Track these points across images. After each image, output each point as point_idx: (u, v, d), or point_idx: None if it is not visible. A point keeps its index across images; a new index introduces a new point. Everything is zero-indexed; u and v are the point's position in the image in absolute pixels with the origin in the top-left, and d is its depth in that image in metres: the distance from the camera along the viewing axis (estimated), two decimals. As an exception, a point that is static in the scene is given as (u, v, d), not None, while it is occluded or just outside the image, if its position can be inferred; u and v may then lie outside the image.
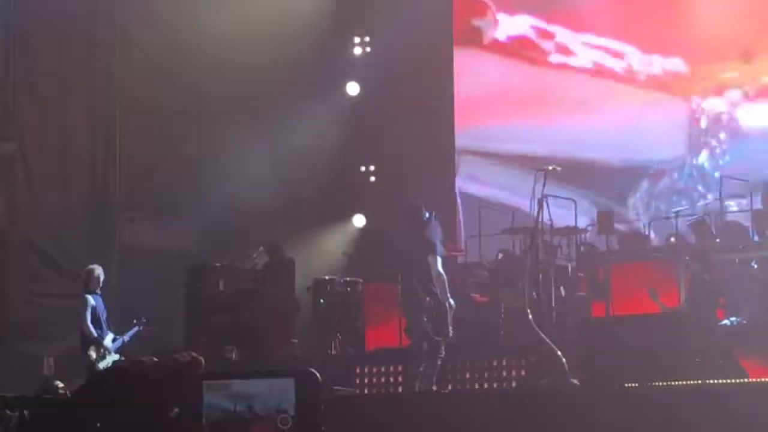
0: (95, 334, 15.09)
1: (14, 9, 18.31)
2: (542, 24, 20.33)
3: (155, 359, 11.08)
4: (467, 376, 15.05)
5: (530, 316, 13.29)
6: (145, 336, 15.62)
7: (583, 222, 17.14)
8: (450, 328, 13.38)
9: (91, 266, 15.55)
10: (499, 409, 12.04)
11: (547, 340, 13.17)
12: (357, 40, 21.50)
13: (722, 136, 18.82)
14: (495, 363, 15.03)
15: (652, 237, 17.70)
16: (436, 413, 12.21)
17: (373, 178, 21.39)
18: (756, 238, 15.60)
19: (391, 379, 15.70)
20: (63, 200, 19.13)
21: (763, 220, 15.73)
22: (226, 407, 10.62)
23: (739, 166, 18.10)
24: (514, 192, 18.92)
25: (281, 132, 19.82)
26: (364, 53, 21.55)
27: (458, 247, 18.93)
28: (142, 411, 10.46)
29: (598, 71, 19.82)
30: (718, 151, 18.84)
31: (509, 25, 20.70)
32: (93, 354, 15.02)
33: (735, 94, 18.68)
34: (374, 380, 15.85)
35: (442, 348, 13.44)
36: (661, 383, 11.60)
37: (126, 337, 15.35)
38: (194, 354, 11.21)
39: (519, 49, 20.53)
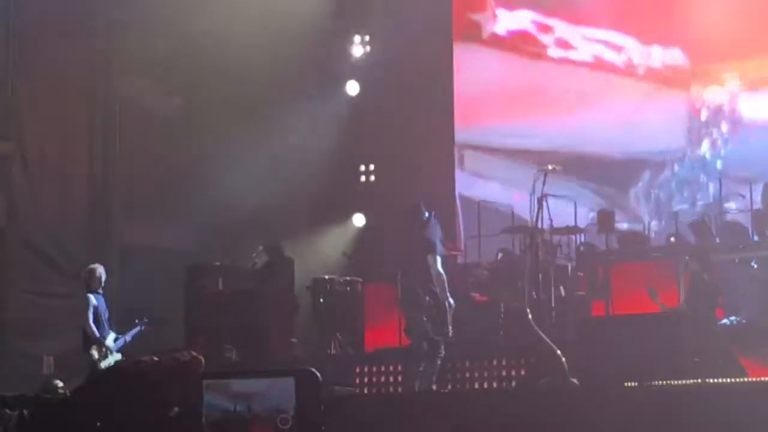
0: (97, 334, 15.08)
1: (14, 9, 18.31)
2: (541, 18, 20.33)
3: (155, 359, 11.10)
4: (467, 375, 15.04)
5: (530, 316, 13.28)
6: (145, 336, 15.62)
7: (584, 216, 17.15)
8: (450, 327, 13.38)
9: (92, 266, 15.54)
10: (499, 409, 12.03)
11: (547, 339, 13.17)
12: (357, 39, 21.49)
13: (723, 127, 18.83)
14: (495, 363, 15.02)
15: (651, 237, 17.71)
16: (435, 413, 12.21)
17: (372, 178, 21.39)
18: (755, 237, 15.60)
19: (391, 379, 15.70)
20: (62, 200, 19.12)
21: (762, 220, 15.75)
22: (226, 407, 10.63)
23: (740, 156, 18.16)
24: (515, 187, 18.94)
25: (281, 131, 19.82)
26: (364, 53, 21.55)
27: (458, 246, 18.94)
28: (142, 410, 10.48)
29: (598, 64, 19.83)
30: (719, 142, 18.85)
31: (509, 20, 20.71)
32: (95, 353, 15.02)
33: (735, 85, 18.69)
34: (374, 380, 15.84)
35: (442, 348, 13.44)
36: (660, 383, 11.61)
37: (128, 337, 15.35)
38: (194, 353, 11.23)
39: (519, 43, 20.53)
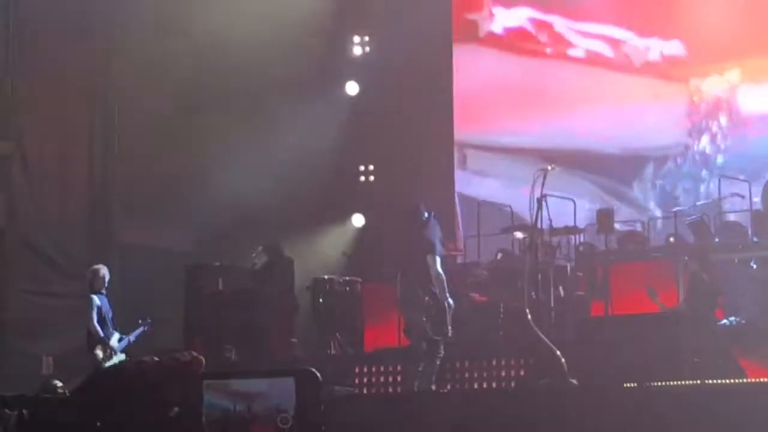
0: (102, 334, 15.09)
1: (14, 9, 18.31)
2: (539, 15, 20.33)
3: (156, 359, 11.10)
4: (466, 375, 15.04)
5: (529, 316, 13.28)
6: (146, 336, 15.63)
7: (584, 214, 17.16)
8: (449, 327, 13.40)
9: (96, 266, 15.55)
10: (498, 409, 12.04)
11: (546, 339, 13.17)
12: (357, 39, 21.49)
13: (722, 120, 18.84)
14: (494, 363, 15.02)
15: (651, 237, 17.71)
16: (435, 413, 12.22)
17: (372, 178, 21.39)
18: (755, 238, 15.61)
19: (390, 379, 15.70)
20: (62, 200, 19.12)
21: (762, 220, 15.75)
22: (226, 407, 10.65)
23: (740, 150, 18.17)
24: (514, 184, 18.95)
25: (280, 131, 19.82)
26: (364, 53, 21.56)
27: (457, 246, 18.95)
28: (142, 410, 10.48)
29: (596, 60, 19.83)
30: (718, 135, 18.86)
31: (506, 17, 20.71)
32: (100, 353, 15.03)
33: (734, 77, 18.69)
34: (373, 380, 15.85)
35: (441, 348, 13.45)
36: (659, 383, 11.61)
37: (132, 337, 15.35)
38: (194, 354, 11.23)
39: (516, 41, 20.54)
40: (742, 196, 16.77)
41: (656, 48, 19.33)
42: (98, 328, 15.09)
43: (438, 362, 13.50)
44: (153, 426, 10.60)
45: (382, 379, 15.81)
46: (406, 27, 19.97)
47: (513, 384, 14.63)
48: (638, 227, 17.98)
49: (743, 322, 14.59)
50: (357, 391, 15.60)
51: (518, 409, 11.90)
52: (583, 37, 19.93)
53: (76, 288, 16.95)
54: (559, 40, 20.14)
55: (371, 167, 21.36)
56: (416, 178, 19.68)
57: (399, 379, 15.36)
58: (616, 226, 17.06)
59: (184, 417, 10.61)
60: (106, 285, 15.41)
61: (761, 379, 12.37)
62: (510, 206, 18.15)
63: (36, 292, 18.40)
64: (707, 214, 16.63)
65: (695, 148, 18.99)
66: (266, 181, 19.29)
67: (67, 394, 14.06)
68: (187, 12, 18.86)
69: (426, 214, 13.71)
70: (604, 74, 19.75)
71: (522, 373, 14.73)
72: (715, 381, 11.76)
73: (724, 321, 14.65)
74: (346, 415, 12.15)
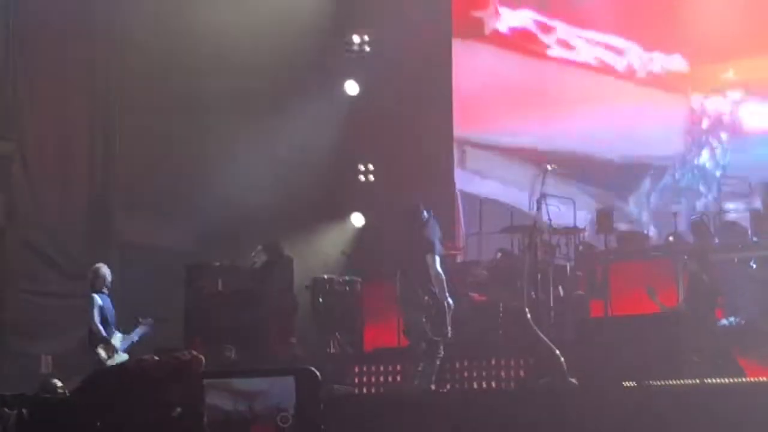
0: (104, 333, 15.09)
1: (14, 9, 18.31)
2: (544, 19, 20.35)
3: (156, 358, 11.09)
4: (466, 375, 15.04)
5: (529, 316, 13.31)
6: (147, 335, 15.63)
7: (583, 218, 17.15)
8: (449, 327, 13.41)
9: (97, 265, 15.55)
10: (498, 409, 12.07)
11: (546, 339, 13.19)
12: (357, 39, 21.49)
13: (723, 136, 18.83)
14: (493, 363, 15.02)
15: (650, 236, 17.72)
16: (434, 413, 12.24)
17: (372, 177, 21.39)
18: (754, 238, 15.61)
19: (390, 379, 15.71)
20: (62, 200, 19.11)
21: (761, 220, 15.75)
22: (227, 406, 10.65)
23: (740, 165, 18.12)
24: (514, 185, 18.94)
25: (280, 131, 19.82)
26: (364, 53, 21.55)
27: (457, 245, 18.94)
28: (142, 410, 10.48)
29: (599, 67, 19.83)
30: (719, 151, 18.84)
31: (511, 18, 20.72)
32: (102, 353, 15.03)
33: (737, 94, 18.69)
34: (373, 379, 15.86)
35: (441, 347, 13.46)
36: (659, 383, 11.63)
37: (134, 337, 15.34)
38: (195, 353, 11.22)
39: (520, 41, 20.53)
40: (743, 196, 16.78)
41: (659, 61, 19.32)
42: (100, 327, 15.09)
43: (437, 362, 13.51)
44: (153, 425, 10.59)
45: (381, 378, 15.81)
46: (405, 26, 19.97)
47: (513, 384, 14.63)
48: (638, 227, 18.01)
49: (743, 322, 14.59)
50: (356, 390, 15.62)
51: (518, 409, 11.93)
52: (587, 43, 19.93)
53: (75, 288, 16.95)
54: (563, 44, 20.14)
55: (371, 166, 21.33)
56: (416, 177, 19.66)
57: (399, 378, 15.36)
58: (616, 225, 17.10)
59: (185, 416, 10.61)
60: (107, 284, 15.41)
61: (760, 379, 12.38)
62: (511, 205, 18.16)
63: (36, 292, 18.41)
64: (707, 213, 16.65)
65: (695, 162, 18.98)
66: (266, 180, 19.31)
67: (67, 394, 14.05)
68: (186, 12, 18.86)
69: (426, 214, 13.72)
70: (606, 80, 19.75)
71: (522, 373, 14.73)
72: (714, 381, 11.78)
73: (724, 321, 14.65)
74: (346, 413, 12.17)
